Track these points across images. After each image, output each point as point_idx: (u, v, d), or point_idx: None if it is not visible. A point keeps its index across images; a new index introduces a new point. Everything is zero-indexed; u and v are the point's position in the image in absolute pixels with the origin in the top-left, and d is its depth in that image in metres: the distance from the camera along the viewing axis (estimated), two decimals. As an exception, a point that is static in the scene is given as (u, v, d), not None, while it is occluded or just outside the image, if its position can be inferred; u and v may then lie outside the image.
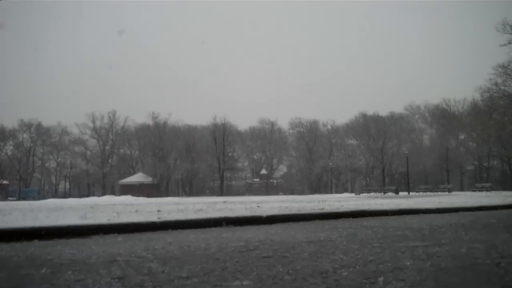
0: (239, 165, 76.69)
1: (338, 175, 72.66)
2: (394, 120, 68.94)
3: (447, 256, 1.94)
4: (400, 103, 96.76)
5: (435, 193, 39.11)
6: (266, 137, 75.65)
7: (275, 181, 72.99)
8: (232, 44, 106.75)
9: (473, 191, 43.79)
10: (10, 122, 73.53)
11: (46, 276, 1.66)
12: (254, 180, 73.30)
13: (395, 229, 3.30)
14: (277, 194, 62.03)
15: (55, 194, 68.55)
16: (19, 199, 52.84)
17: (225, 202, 11.81)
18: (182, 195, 65.72)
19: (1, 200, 39.66)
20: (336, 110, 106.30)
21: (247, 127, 76.70)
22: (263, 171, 73.87)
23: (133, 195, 38.55)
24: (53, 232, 3.21)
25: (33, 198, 50.21)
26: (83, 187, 75.18)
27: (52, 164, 74.58)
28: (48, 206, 9.76)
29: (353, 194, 45.67)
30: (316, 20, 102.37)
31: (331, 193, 59.94)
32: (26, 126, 70.81)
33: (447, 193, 38.04)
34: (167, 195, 62.16)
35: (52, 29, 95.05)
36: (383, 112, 70.38)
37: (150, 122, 72.64)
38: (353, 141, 73.35)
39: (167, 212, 5.46)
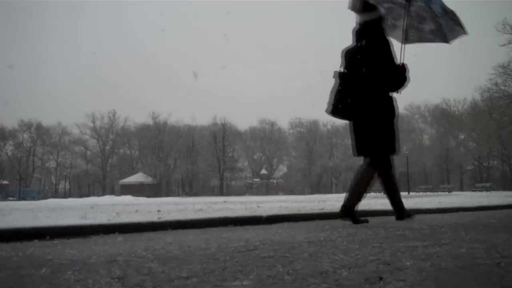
0: (239, 165, 76.78)
1: (338, 175, 72.70)
2: (394, 120, 69.00)
3: (447, 256, 1.94)
4: (400, 103, 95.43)
5: (435, 193, 39.10)
6: (266, 137, 75.71)
7: (275, 181, 73.02)
8: (232, 43, 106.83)
9: (473, 191, 43.83)
10: (10, 122, 73.75)
11: (46, 276, 1.66)
12: (254, 180, 73.34)
13: (395, 229, 3.30)
14: (277, 194, 62.04)
15: (55, 194, 68.55)
16: (19, 199, 52.84)
17: (225, 202, 11.81)
18: (182, 195, 65.73)
19: (1, 200, 39.68)
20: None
21: (247, 127, 76.87)
22: (263, 171, 73.91)
23: (133, 195, 38.52)
24: (53, 232, 3.21)
25: (33, 198, 50.22)
26: (83, 187, 75.25)
27: (52, 164, 74.69)
28: (48, 206, 9.75)
29: (353, 194, 45.48)
30: (316, 19, 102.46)
31: (331, 193, 59.91)
32: (26, 126, 70.98)
33: (447, 193, 38.04)
34: (167, 195, 62.18)
35: (52, 28, 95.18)
36: (383, 112, 70.27)
37: (150, 122, 72.94)
38: (353, 141, 73.34)
39: (167, 212, 5.46)
